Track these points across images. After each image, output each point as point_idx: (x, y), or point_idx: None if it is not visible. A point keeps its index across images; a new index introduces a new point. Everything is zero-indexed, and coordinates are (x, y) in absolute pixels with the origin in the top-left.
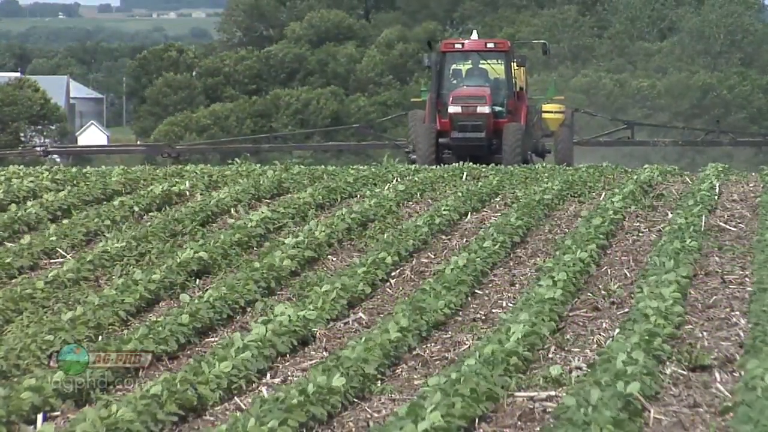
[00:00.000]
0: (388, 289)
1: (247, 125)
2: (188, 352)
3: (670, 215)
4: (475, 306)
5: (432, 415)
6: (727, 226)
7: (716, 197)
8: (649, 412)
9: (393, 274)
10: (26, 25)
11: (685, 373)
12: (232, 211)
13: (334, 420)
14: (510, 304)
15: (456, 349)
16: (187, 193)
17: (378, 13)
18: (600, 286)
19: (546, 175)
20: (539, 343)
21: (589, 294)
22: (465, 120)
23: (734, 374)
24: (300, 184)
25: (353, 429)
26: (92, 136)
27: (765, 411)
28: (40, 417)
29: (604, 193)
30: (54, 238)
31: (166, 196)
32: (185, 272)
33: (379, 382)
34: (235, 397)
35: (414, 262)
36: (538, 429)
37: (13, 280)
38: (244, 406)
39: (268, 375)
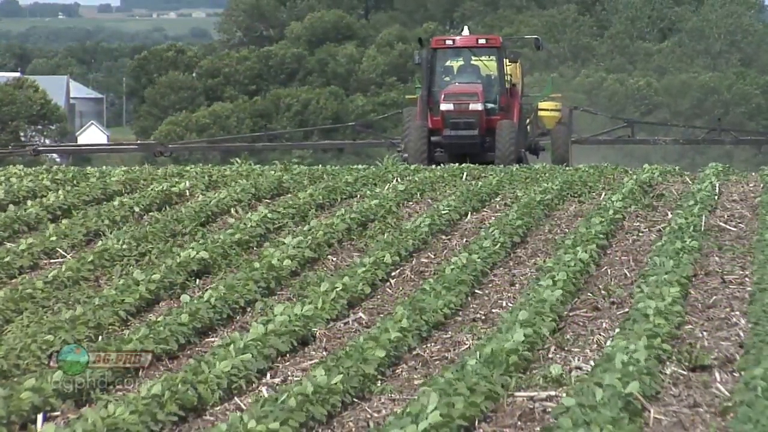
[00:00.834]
0: (388, 289)
1: (246, 125)
2: (188, 352)
3: (670, 215)
4: (475, 306)
5: (432, 415)
6: (727, 226)
7: (716, 197)
8: (649, 412)
9: (393, 274)
10: (26, 25)
11: (685, 373)
12: (232, 211)
13: (334, 420)
14: (510, 304)
15: (456, 349)
16: (187, 193)
17: (377, 14)
18: (600, 286)
19: (546, 175)
20: (539, 343)
21: (589, 294)
22: (457, 117)
23: (734, 374)
24: (300, 184)
25: (353, 429)
26: (92, 136)
27: (765, 411)
28: (40, 417)
29: (604, 193)
30: (54, 238)
31: (166, 196)
32: (185, 272)
33: (379, 382)
34: (235, 397)
35: (414, 262)
36: (538, 429)
37: (13, 280)
38: (244, 406)
39: (268, 375)
